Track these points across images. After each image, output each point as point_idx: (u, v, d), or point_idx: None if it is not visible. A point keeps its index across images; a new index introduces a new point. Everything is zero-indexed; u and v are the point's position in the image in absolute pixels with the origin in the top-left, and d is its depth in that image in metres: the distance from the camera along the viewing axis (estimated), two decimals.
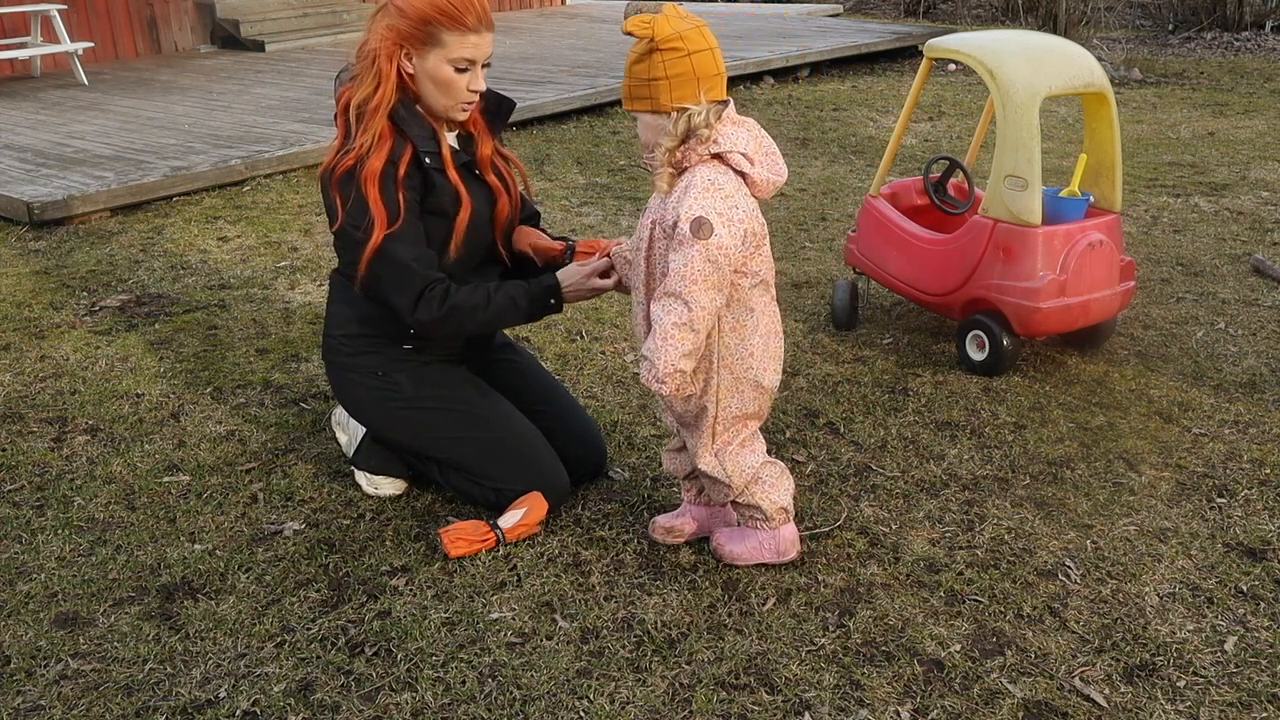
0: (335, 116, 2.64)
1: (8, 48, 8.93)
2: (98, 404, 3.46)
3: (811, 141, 7.00)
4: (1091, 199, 3.54)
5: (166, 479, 3.01)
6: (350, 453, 2.96)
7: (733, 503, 2.55)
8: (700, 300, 2.21)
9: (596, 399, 3.43)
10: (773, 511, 2.49)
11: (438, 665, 2.24)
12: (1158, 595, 2.43)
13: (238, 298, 4.39)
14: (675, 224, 2.22)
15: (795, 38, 10.08)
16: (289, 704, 2.15)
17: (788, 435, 3.18)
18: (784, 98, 8.47)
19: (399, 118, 2.54)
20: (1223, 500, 2.81)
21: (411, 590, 2.49)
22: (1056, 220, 3.44)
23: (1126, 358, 3.67)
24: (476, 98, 2.60)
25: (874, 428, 3.22)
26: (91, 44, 9.14)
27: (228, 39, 10.50)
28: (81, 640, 2.34)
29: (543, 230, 2.88)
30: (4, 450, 3.18)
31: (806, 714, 2.10)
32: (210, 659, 2.28)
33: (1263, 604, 2.40)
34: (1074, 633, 2.31)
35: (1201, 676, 2.18)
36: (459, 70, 2.52)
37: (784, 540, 2.53)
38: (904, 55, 10.13)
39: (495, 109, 2.75)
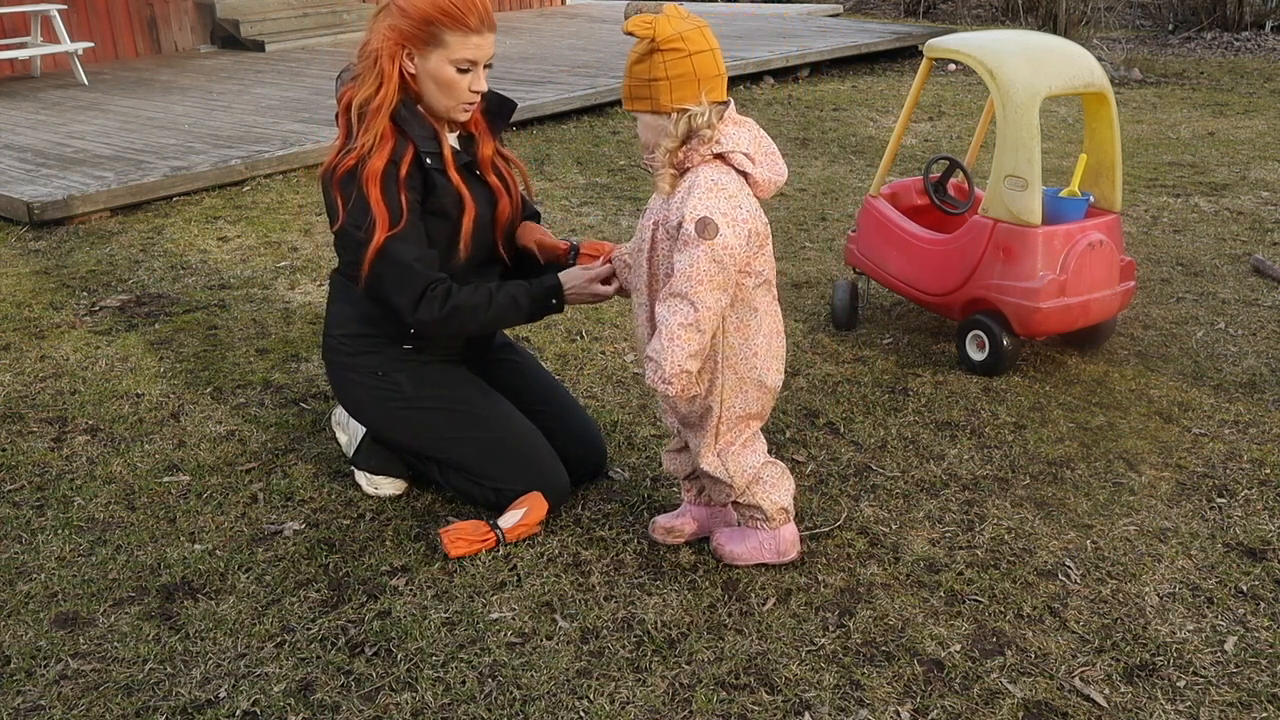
0: (337, 116, 2.64)
1: (8, 48, 8.93)
2: (98, 404, 3.46)
3: (811, 141, 7.00)
4: (1091, 199, 3.54)
5: (166, 479, 3.01)
6: (350, 453, 2.96)
7: (734, 503, 2.55)
8: (706, 300, 2.21)
9: (596, 399, 3.43)
10: (773, 512, 2.49)
11: (438, 665, 2.25)
12: (1158, 595, 2.43)
13: (238, 298, 4.39)
14: (679, 225, 2.22)
15: (795, 38, 10.09)
16: (289, 704, 2.15)
17: (788, 435, 3.18)
18: (784, 98, 8.47)
19: (400, 118, 2.54)
20: (1223, 500, 2.81)
21: (411, 590, 2.49)
22: (1056, 220, 3.44)
23: (1126, 358, 3.67)
24: (478, 98, 2.60)
25: (874, 428, 3.22)
26: (91, 44, 9.14)
27: (228, 39, 10.50)
28: (81, 640, 2.34)
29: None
30: (4, 450, 3.18)
31: (806, 714, 2.10)
32: (210, 659, 2.28)
33: (1263, 604, 2.40)
34: (1074, 633, 2.32)
35: (1201, 676, 2.18)
36: (461, 71, 2.53)
37: (784, 540, 2.53)
38: (904, 55, 10.13)
39: (497, 109, 2.75)
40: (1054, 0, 10.99)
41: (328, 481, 2.97)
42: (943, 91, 8.59)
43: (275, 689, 2.19)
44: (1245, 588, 2.45)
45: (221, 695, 2.17)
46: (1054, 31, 10.02)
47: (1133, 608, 2.39)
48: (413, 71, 2.54)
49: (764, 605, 2.41)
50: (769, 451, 2.54)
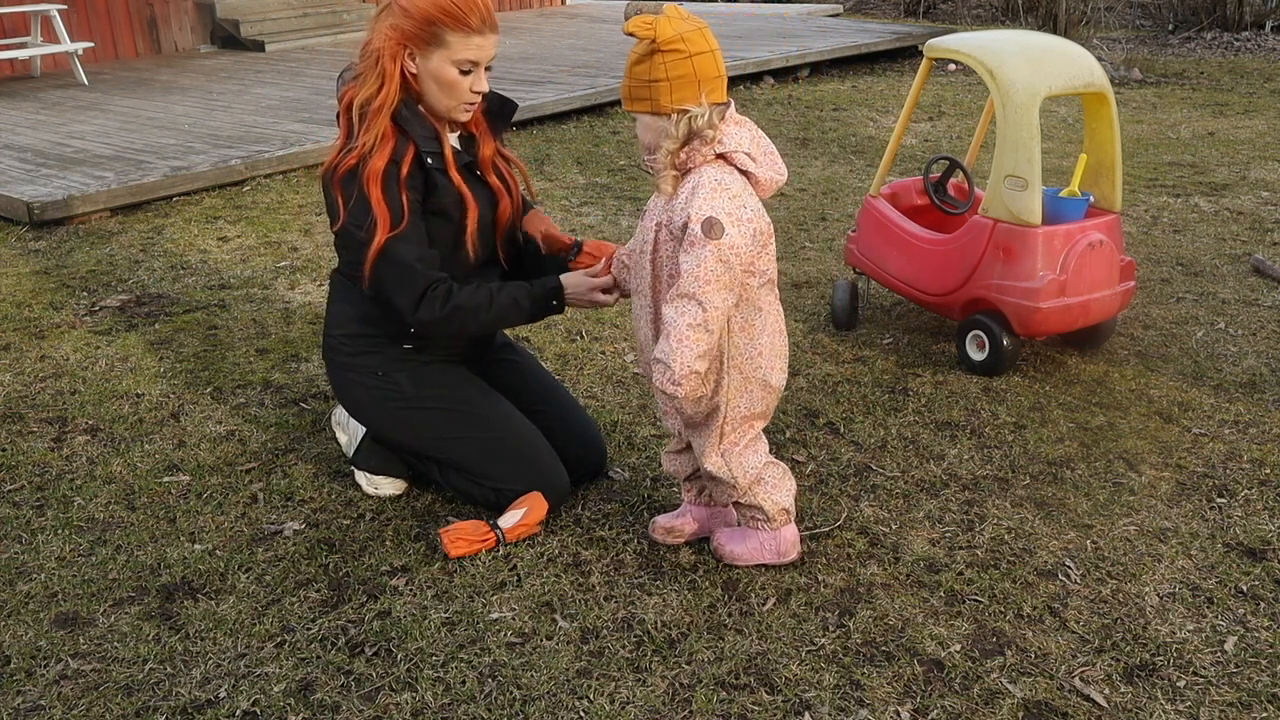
0: (338, 116, 2.64)
1: (8, 48, 8.93)
2: (98, 404, 3.46)
3: (811, 141, 7.00)
4: (1091, 199, 3.54)
5: (166, 479, 3.01)
6: (350, 453, 2.96)
7: (735, 503, 2.55)
8: (714, 300, 2.21)
9: (596, 399, 3.43)
10: (775, 512, 2.49)
11: (438, 665, 2.25)
12: (1158, 595, 2.43)
13: (238, 298, 4.39)
14: (684, 226, 2.22)
15: (795, 38, 10.09)
16: (289, 704, 2.15)
17: (788, 435, 3.18)
18: (784, 98, 8.47)
19: (401, 118, 2.55)
20: (1223, 500, 2.81)
21: (411, 590, 2.49)
22: (1056, 220, 3.44)
23: (1126, 358, 3.67)
24: (479, 99, 2.60)
25: (874, 428, 3.22)
26: (91, 44, 9.14)
27: (228, 39, 10.50)
28: (81, 640, 2.34)
29: None
30: (4, 450, 3.18)
31: (806, 714, 2.10)
32: (210, 659, 2.28)
33: (1263, 604, 2.40)
34: (1074, 633, 2.32)
35: (1201, 676, 2.18)
36: (463, 72, 2.53)
37: (785, 541, 2.53)
38: (904, 55, 10.13)
39: (498, 110, 2.75)
40: (1054, 0, 10.99)
41: (328, 481, 2.97)
42: (943, 91, 8.59)
43: (275, 689, 2.19)
44: (1245, 588, 2.45)
45: (221, 695, 2.17)
46: (1054, 31, 10.02)
47: (1133, 608, 2.39)
48: (414, 71, 2.54)
49: (764, 605, 2.41)
50: (769, 451, 2.54)
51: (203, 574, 2.57)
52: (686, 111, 2.20)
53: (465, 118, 2.62)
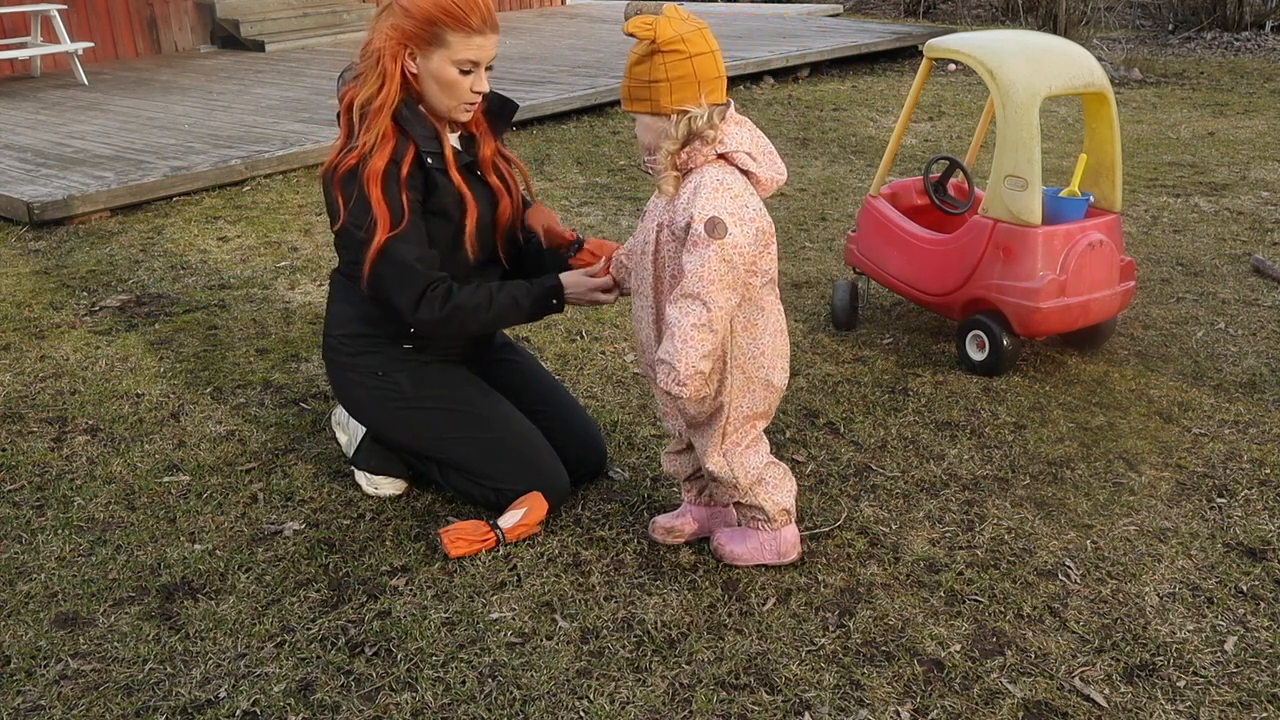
0: (338, 115, 2.64)
1: (8, 48, 8.93)
2: (98, 404, 3.46)
3: (811, 141, 7.00)
4: (1091, 199, 3.54)
5: (166, 479, 3.01)
6: (350, 453, 2.96)
7: (736, 503, 2.55)
8: (718, 300, 2.21)
9: (596, 399, 3.43)
10: (775, 513, 2.49)
11: (438, 665, 2.25)
12: (1158, 595, 2.43)
13: (238, 298, 4.39)
14: (687, 226, 2.21)
15: (795, 38, 10.09)
16: (289, 704, 2.15)
17: (788, 435, 3.18)
18: (784, 98, 8.47)
19: (402, 118, 2.55)
20: (1223, 500, 2.81)
21: (411, 590, 2.49)
22: (1056, 220, 3.44)
23: (1126, 358, 3.67)
24: (480, 99, 2.60)
25: (874, 428, 3.22)
26: (91, 44, 9.14)
27: (228, 39, 10.50)
28: (81, 640, 2.34)
29: None
30: (4, 450, 3.18)
31: (806, 714, 2.10)
32: (210, 659, 2.28)
33: (1263, 604, 2.40)
34: (1074, 633, 2.32)
35: (1201, 676, 2.18)
36: (463, 72, 2.53)
37: (785, 541, 2.53)
38: (904, 55, 10.13)
39: (498, 110, 2.75)
40: (1054, 0, 10.99)
41: (328, 481, 2.97)
42: (943, 91, 8.59)
43: (275, 689, 2.19)
44: (1245, 588, 2.45)
45: (221, 695, 2.17)
46: (1054, 31, 10.02)
47: (1133, 608, 2.39)
48: (415, 71, 2.54)
49: (764, 605, 2.41)
50: (770, 451, 2.54)
51: (203, 574, 2.57)
52: (686, 112, 2.20)
53: (465, 118, 2.62)
